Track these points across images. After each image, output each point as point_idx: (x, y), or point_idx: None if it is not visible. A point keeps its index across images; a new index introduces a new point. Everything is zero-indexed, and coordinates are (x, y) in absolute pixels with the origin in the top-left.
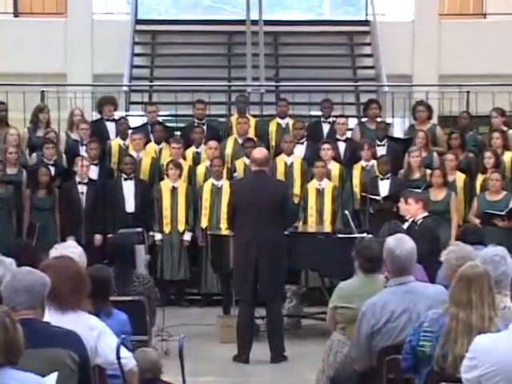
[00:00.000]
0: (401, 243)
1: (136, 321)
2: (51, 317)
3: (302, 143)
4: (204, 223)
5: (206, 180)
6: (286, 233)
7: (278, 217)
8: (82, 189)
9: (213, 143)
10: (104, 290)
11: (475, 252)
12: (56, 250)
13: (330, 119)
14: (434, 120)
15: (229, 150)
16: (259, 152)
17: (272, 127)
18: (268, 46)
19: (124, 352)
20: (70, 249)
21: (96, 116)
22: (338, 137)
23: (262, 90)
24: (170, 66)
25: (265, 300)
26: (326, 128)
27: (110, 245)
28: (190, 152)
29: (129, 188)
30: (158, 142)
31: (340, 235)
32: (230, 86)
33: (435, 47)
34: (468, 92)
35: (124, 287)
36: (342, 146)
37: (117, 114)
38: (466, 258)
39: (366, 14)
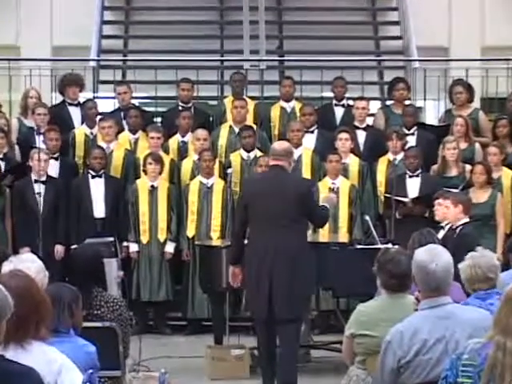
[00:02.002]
0: (436, 256)
1: (106, 352)
2: None
3: (312, 132)
4: (190, 231)
5: (192, 178)
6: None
7: (300, 221)
8: (39, 188)
9: (201, 132)
10: (60, 307)
11: (494, 261)
12: (10, 264)
13: (344, 102)
14: (476, 103)
15: (222, 141)
16: (279, 144)
17: (275, 112)
18: (270, 12)
19: None
20: (26, 263)
21: (57, 98)
22: (356, 124)
23: (263, 66)
24: (148, 37)
25: (279, 320)
26: (338, 113)
27: (72, 258)
28: (173, 143)
29: (97, 188)
30: (132, 131)
31: (359, 246)
32: (222, 60)
33: (477, 13)
34: None
35: (87, 314)
36: (361, 135)
37: (82, 96)
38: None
39: None
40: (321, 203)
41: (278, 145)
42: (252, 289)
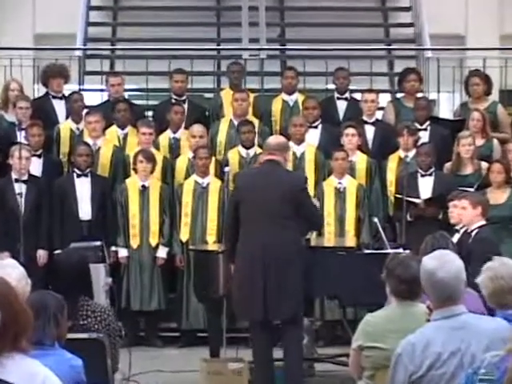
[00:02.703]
0: (444, 263)
1: (93, 366)
2: None
3: (316, 127)
4: (184, 235)
5: (187, 177)
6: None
7: (294, 218)
8: (21, 188)
9: (197, 128)
10: (45, 317)
11: None
12: None
13: (347, 95)
14: (495, 96)
15: (222, 137)
16: (274, 138)
17: (276, 106)
18: None
19: None
20: (7, 269)
21: (39, 91)
22: (364, 118)
23: (263, 56)
24: (138, 24)
25: (276, 323)
26: (341, 107)
27: (56, 264)
28: (165, 139)
29: (83, 187)
30: (121, 126)
31: (367, 251)
32: (219, 50)
33: None
34: None
35: (73, 325)
36: (369, 130)
37: (67, 89)
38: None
39: None
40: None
41: (273, 139)
42: (245, 290)
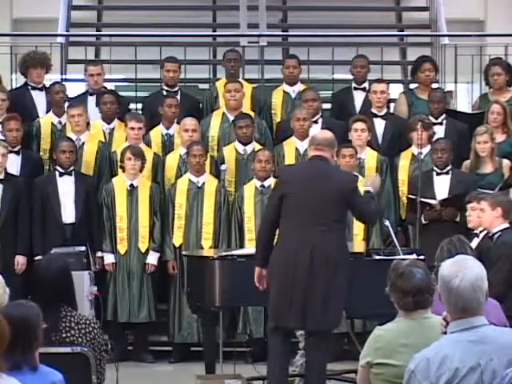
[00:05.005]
0: (461, 269)
1: (76, 382)
2: None
3: (316, 122)
4: (178, 240)
5: (178, 176)
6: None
7: (341, 221)
8: None
9: (190, 122)
10: (26, 337)
11: None
12: None
13: (366, 85)
14: None
15: (214, 132)
16: (322, 133)
17: (277, 97)
18: None
19: None
20: None
21: (18, 81)
22: (374, 111)
23: (263, 43)
24: (126, 8)
25: (311, 332)
26: (358, 99)
27: (36, 271)
28: (155, 135)
29: (66, 187)
30: (107, 120)
31: (377, 257)
32: (215, 36)
33: None
34: None
35: (53, 337)
36: (380, 124)
37: (48, 79)
38: None
39: None
40: (364, 188)
41: (320, 134)
42: (284, 293)
